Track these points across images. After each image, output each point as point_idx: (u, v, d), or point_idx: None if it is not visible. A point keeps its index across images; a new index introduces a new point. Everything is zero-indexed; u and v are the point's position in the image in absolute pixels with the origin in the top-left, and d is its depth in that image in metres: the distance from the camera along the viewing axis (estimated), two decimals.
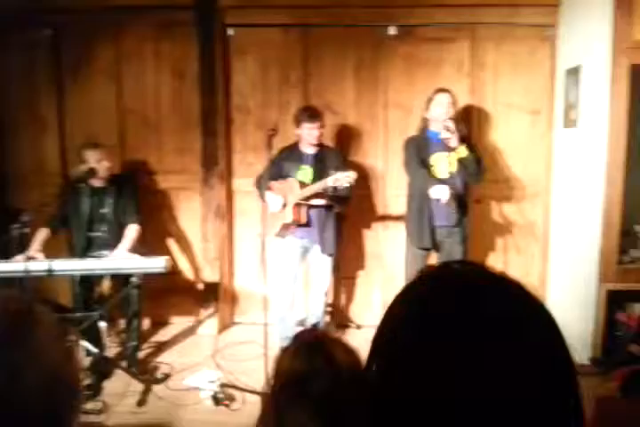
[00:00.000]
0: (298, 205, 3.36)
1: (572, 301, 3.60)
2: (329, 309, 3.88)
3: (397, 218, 3.94)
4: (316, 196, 3.32)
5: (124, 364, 3.30)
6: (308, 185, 3.36)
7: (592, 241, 3.35)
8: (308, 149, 3.50)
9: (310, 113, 3.40)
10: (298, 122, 3.43)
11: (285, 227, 3.45)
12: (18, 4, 3.81)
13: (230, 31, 4.02)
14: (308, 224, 3.44)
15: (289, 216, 3.38)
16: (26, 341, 0.64)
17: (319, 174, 3.43)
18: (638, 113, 3.38)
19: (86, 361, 3.07)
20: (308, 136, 3.42)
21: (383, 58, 3.98)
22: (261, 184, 3.43)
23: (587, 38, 3.44)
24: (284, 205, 3.41)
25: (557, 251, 3.92)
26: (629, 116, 3.24)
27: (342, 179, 3.06)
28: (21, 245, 2.77)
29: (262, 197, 3.41)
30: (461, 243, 3.45)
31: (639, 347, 2.46)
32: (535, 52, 3.95)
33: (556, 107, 3.89)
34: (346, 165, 3.55)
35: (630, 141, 3.28)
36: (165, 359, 3.53)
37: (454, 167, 3.32)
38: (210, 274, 4.04)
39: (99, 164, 3.32)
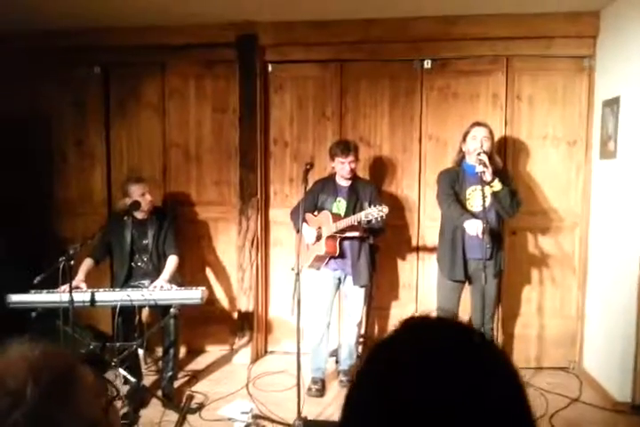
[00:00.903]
0: (332, 237, 3.41)
1: (611, 335, 3.50)
2: (362, 340, 3.87)
3: (431, 249, 3.94)
4: (350, 228, 3.37)
5: (160, 393, 3.38)
6: (341, 217, 3.41)
7: (631, 274, 3.27)
8: (343, 182, 3.56)
9: (343, 147, 3.47)
10: (331, 155, 3.52)
11: (319, 259, 3.51)
12: (68, 41, 4.05)
13: (270, 67, 4.16)
14: (341, 256, 3.48)
15: (322, 248, 3.43)
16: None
17: (353, 207, 3.49)
18: None
19: (124, 389, 3.15)
20: (341, 170, 3.49)
21: (418, 91, 4.03)
22: (297, 216, 3.50)
23: (625, 69, 3.41)
24: (319, 237, 3.47)
25: (595, 284, 3.83)
26: None
27: (375, 213, 3.11)
28: (67, 276, 2.89)
29: (298, 228, 3.47)
30: (495, 276, 3.43)
31: None
32: (572, 83, 3.93)
33: (594, 138, 3.84)
34: (380, 197, 3.59)
35: None
36: (200, 389, 3.59)
37: (488, 201, 3.32)
38: (245, 303, 4.11)
39: (142, 197, 3.46)
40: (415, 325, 0.68)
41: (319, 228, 3.48)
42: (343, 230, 3.38)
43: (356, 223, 3.29)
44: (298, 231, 3.45)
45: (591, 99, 3.88)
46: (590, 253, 3.90)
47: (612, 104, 3.55)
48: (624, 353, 3.32)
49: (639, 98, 3.24)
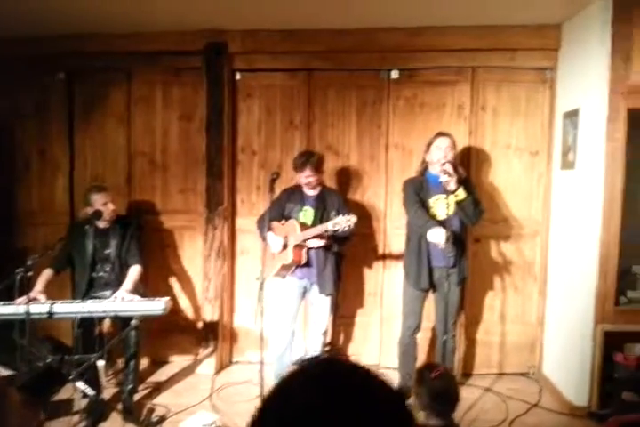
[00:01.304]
0: (298, 246, 3.41)
1: (569, 341, 3.59)
2: (327, 348, 3.88)
3: (397, 257, 3.98)
4: (317, 237, 3.37)
5: (120, 406, 3.33)
6: (308, 226, 3.42)
7: (589, 282, 3.36)
8: (310, 191, 3.57)
9: (299, 163, 3.46)
10: (294, 168, 3.52)
11: (285, 267, 3.51)
12: (32, 47, 3.99)
13: (238, 75, 4.15)
14: (307, 264, 3.49)
15: (289, 257, 3.43)
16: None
17: (320, 216, 3.50)
18: (634, 155, 3.42)
19: (82, 403, 3.11)
20: (304, 183, 3.50)
21: (385, 101, 4.07)
22: (263, 224, 3.50)
23: (585, 82, 3.49)
24: (285, 246, 3.47)
25: (555, 291, 3.92)
26: (626, 159, 3.27)
27: (343, 223, 3.12)
28: (25, 288, 2.84)
29: (263, 237, 3.47)
30: (458, 284, 3.48)
31: (632, 394, 2.42)
32: (534, 94, 4.01)
33: (555, 148, 3.93)
34: (346, 206, 3.61)
35: (627, 184, 3.30)
36: (162, 400, 3.55)
37: (452, 209, 3.36)
38: (210, 313, 4.09)
39: (104, 206, 3.42)
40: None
41: (286, 236, 3.49)
42: (309, 239, 3.38)
43: (323, 232, 3.29)
44: (264, 240, 3.45)
45: (553, 110, 3.97)
46: (550, 261, 3.99)
47: (572, 116, 3.63)
48: (581, 359, 3.40)
49: (597, 110, 3.31)
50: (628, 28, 3.22)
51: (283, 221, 3.55)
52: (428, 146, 3.45)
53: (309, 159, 3.44)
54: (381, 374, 0.74)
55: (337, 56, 4.02)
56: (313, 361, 0.73)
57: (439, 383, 2.07)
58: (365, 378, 0.71)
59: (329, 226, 3.17)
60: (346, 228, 3.14)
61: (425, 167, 3.50)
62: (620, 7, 3.22)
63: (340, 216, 3.15)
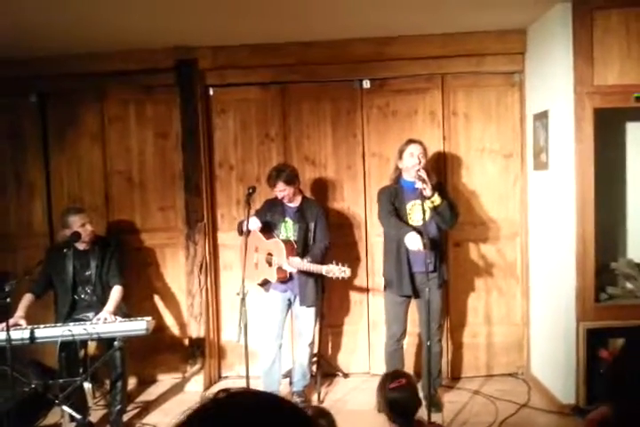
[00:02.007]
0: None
1: (554, 340, 3.63)
2: (315, 359, 3.88)
3: (380, 265, 3.99)
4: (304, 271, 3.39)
5: None
6: (293, 246, 3.44)
7: (568, 280, 3.41)
8: (290, 203, 3.59)
9: (271, 178, 3.49)
10: (267, 183, 3.55)
11: (268, 282, 3.53)
12: (2, 69, 3.98)
13: (211, 91, 4.18)
14: (289, 277, 3.50)
15: (274, 276, 3.45)
16: None
17: (300, 227, 3.53)
18: (604, 153, 3.50)
19: None
20: (280, 197, 3.53)
21: (359, 110, 4.13)
22: (241, 223, 3.50)
23: (552, 84, 3.57)
24: (269, 264, 3.48)
25: (537, 290, 3.97)
26: (596, 157, 3.34)
27: (336, 272, 3.14)
28: (4, 314, 2.81)
29: (243, 229, 3.45)
30: (439, 288, 3.51)
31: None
32: (504, 98, 4.09)
33: (528, 150, 3.99)
34: (326, 219, 3.64)
35: (599, 181, 3.36)
36: (151, 420, 3.52)
37: (428, 215, 3.40)
38: (196, 329, 4.07)
39: (82, 228, 3.41)
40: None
41: (269, 254, 3.49)
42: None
43: (312, 270, 3.30)
44: (241, 233, 3.43)
45: (523, 113, 4.04)
46: (531, 261, 4.04)
47: (542, 117, 3.70)
48: (567, 357, 3.44)
49: (565, 111, 3.39)
50: (589, 30, 3.31)
51: (268, 236, 3.55)
52: (400, 153, 3.49)
53: (280, 174, 3.46)
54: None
55: (308, 68, 4.07)
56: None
57: (396, 395, 2.12)
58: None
59: (322, 271, 3.19)
60: (338, 277, 3.16)
61: (399, 174, 3.54)
62: (580, 10, 3.30)
63: (335, 266, 3.15)
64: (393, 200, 3.47)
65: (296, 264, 3.34)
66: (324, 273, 3.19)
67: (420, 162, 3.38)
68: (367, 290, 4.15)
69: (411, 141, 3.49)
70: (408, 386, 2.16)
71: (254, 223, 3.48)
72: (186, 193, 4.06)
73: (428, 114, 4.10)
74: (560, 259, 3.51)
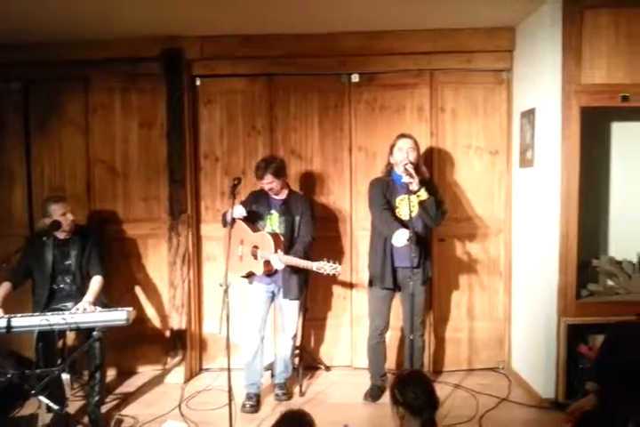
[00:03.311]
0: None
1: (535, 335, 3.66)
2: (297, 351, 3.87)
3: (364, 259, 3.99)
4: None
5: (86, 419, 3.25)
6: (280, 239, 3.42)
7: (550, 276, 3.44)
8: (277, 196, 3.56)
9: (258, 170, 3.45)
10: (255, 175, 3.51)
11: (252, 274, 3.50)
12: None
13: (197, 81, 4.13)
14: (275, 271, 3.47)
15: (260, 270, 3.42)
16: None
17: (285, 220, 3.51)
18: (589, 152, 3.52)
19: (47, 418, 3.02)
20: (267, 189, 3.50)
21: (346, 104, 4.11)
22: (225, 215, 3.46)
23: (539, 82, 3.58)
24: (255, 257, 3.45)
25: (519, 286, 4.00)
26: (581, 156, 3.36)
27: (328, 269, 3.13)
28: None
29: (227, 220, 3.40)
30: (423, 284, 3.52)
31: (594, 384, 2.47)
32: (492, 95, 4.10)
33: (514, 147, 4.01)
34: (312, 212, 3.61)
35: (583, 179, 3.38)
36: (130, 412, 3.48)
37: (416, 210, 3.40)
38: (177, 321, 4.03)
39: (62, 217, 3.35)
40: None
41: (255, 247, 3.46)
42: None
43: (303, 266, 3.27)
44: (225, 225, 3.40)
45: (510, 110, 4.06)
46: (514, 258, 4.06)
47: (529, 115, 3.72)
48: (547, 352, 3.47)
49: (552, 109, 3.40)
50: (578, 28, 3.33)
51: (253, 228, 3.52)
52: (392, 147, 3.49)
53: (268, 166, 3.43)
54: None
55: (297, 61, 4.04)
56: None
57: (411, 393, 1.97)
58: None
59: (313, 266, 3.17)
60: (329, 274, 3.14)
61: (390, 169, 3.53)
62: (570, 9, 3.32)
63: (326, 262, 3.13)
64: (385, 192, 3.46)
65: (285, 260, 3.32)
66: (314, 269, 3.17)
67: (407, 156, 3.38)
68: (351, 284, 4.15)
69: (401, 136, 3.48)
70: (422, 382, 2.06)
71: (239, 211, 3.43)
72: (170, 184, 4.01)
73: (416, 109, 4.10)
74: (543, 255, 3.54)
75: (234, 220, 3.44)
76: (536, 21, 3.60)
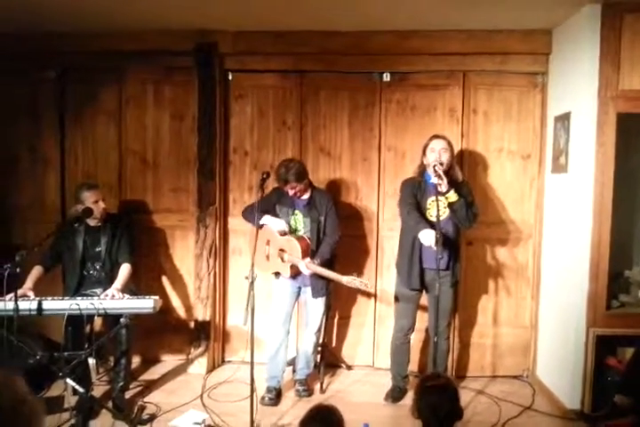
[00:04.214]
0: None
1: (562, 345, 3.59)
2: (319, 348, 3.86)
3: (390, 258, 3.99)
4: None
5: (110, 404, 3.29)
6: (305, 239, 3.43)
7: (581, 286, 3.37)
8: (300, 196, 3.55)
9: (283, 173, 3.40)
10: (277, 181, 3.49)
11: (279, 273, 3.54)
12: (24, 44, 3.97)
13: (230, 75, 4.15)
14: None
15: (287, 272, 3.44)
16: None
17: (310, 220, 3.51)
18: (624, 159, 3.46)
19: (72, 400, 3.07)
20: (291, 194, 3.50)
21: (377, 103, 4.09)
22: (252, 212, 3.41)
23: (575, 86, 3.53)
24: (282, 259, 3.47)
25: (547, 294, 3.93)
26: (616, 163, 3.30)
27: (357, 284, 3.13)
28: (14, 284, 2.81)
29: (255, 222, 3.34)
30: (451, 286, 3.49)
31: (623, 398, 2.42)
32: (526, 98, 4.04)
33: (547, 152, 3.96)
34: (336, 209, 3.61)
35: (618, 187, 3.33)
36: (153, 399, 3.51)
37: (446, 211, 3.37)
38: (202, 312, 4.05)
39: (95, 204, 3.40)
40: None
41: (281, 250, 3.47)
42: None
43: (331, 278, 3.28)
44: (256, 224, 3.35)
45: (544, 114, 4.00)
46: (543, 264, 4.00)
47: (563, 120, 3.67)
48: (574, 362, 3.40)
49: (588, 114, 3.34)
50: (617, 33, 3.27)
51: (281, 231, 3.52)
52: (424, 148, 3.46)
53: (289, 171, 3.39)
54: None
55: (329, 58, 4.03)
56: None
57: (433, 396, 1.94)
58: None
59: (342, 280, 3.17)
60: (359, 288, 3.15)
61: (423, 169, 3.51)
62: (609, 13, 3.26)
63: (356, 278, 3.14)
64: (416, 192, 3.44)
65: (314, 269, 3.32)
66: (343, 283, 3.18)
67: (439, 157, 3.36)
68: (375, 283, 4.12)
69: (435, 137, 3.46)
70: (447, 388, 2.00)
71: (280, 226, 3.46)
72: (199, 176, 4.03)
73: (448, 111, 4.06)
74: (573, 263, 3.47)
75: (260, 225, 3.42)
76: (574, 24, 3.55)
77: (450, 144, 3.44)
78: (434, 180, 3.27)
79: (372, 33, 3.92)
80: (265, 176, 3.31)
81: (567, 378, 3.47)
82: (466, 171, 4.01)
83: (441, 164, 3.32)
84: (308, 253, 3.39)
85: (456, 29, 3.86)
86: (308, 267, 3.32)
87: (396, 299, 3.64)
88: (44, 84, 4.17)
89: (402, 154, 4.08)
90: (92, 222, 3.47)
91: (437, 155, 3.37)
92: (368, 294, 4.16)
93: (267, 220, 3.49)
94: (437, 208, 3.20)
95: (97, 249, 3.48)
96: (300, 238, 3.43)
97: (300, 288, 3.60)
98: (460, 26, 3.82)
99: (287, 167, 3.42)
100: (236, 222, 4.15)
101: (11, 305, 2.82)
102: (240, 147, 4.19)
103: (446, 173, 3.31)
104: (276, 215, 3.57)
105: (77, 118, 4.20)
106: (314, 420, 1.96)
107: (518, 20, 3.67)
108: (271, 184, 3.71)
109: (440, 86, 4.06)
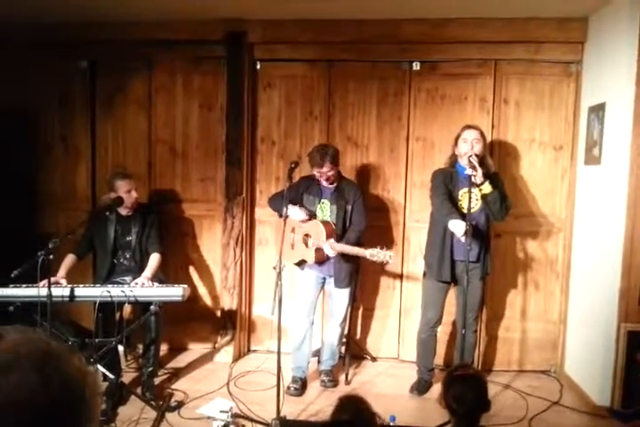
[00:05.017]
0: (320, 248, 3.39)
1: (592, 340, 3.53)
2: (344, 340, 3.87)
3: (416, 251, 3.96)
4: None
5: (139, 390, 3.35)
6: (331, 226, 3.41)
7: (612, 280, 3.30)
8: (328, 183, 3.54)
9: (315, 159, 3.39)
10: (311, 163, 3.47)
11: (303, 262, 3.52)
12: (54, 35, 4.01)
13: (258, 65, 4.14)
14: (327, 258, 3.47)
15: (312, 258, 3.43)
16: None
17: (338, 208, 3.48)
18: None
19: (102, 386, 3.12)
20: (323, 178, 3.48)
21: (406, 93, 4.03)
22: (278, 201, 3.40)
23: (611, 76, 3.43)
24: (306, 244, 3.46)
25: (577, 288, 3.85)
26: None
27: (381, 256, 3.10)
28: (46, 271, 2.86)
29: (281, 211, 3.34)
30: (480, 279, 3.45)
31: None
32: (559, 88, 3.94)
33: (579, 143, 3.87)
34: (363, 200, 3.58)
35: None
36: (181, 386, 3.57)
37: (478, 203, 3.33)
38: (228, 302, 4.09)
39: (127, 194, 3.43)
40: None
41: (306, 235, 3.47)
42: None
43: (355, 254, 3.26)
44: (281, 215, 3.34)
45: (577, 104, 3.90)
46: (573, 259, 3.92)
47: (598, 110, 3.57)
48: (604, 358, 3.34)
49: (624, 104, 3.25)
50: None
51: (307, 215, 3.51)
52: (456, 139, 3.42)
53: (327, 153, 3.38)
54: None
55: (358, 47, 3.98)
56: None
57: (459, 386, 1.91)
58: None
59: (367, 255, 3.14)
60: (382, 262, 3.13)
61: (454, 160, 3.46)
62: None
63: (380, 249, 3.11)
64: (448, 183, 3.40)
65: (338, 247, 3.30)
66: (367, 257, 3.15)
67: (472, 148, 3.30)
68: (401, 275, 4.10)
69: (467, 127, 3.41)
70: (476, 379, 1.97)
71: (300, 215, 3.44)
72: (227, 166, 4.05)
73: (478, 100, 3.98)
74: (605, 257, 3.39)
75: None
76: (611, 12, 3.43)
77: (482, 135, 3.38)
78: (468, 171, 3.22)
79: (404, 21, 3.85)
80: (293, 165, 3.29)
81: (597, 374, 3.41)
82: (496, 162, 3.92)
83: (476, 155, 3.27)
84: (333, 236, 3.37)
85: (490, 17, 3.77)
86: (332, 247, 3.30)
87: (424, 291, 3.61)
88: (75, 74, 4.22)
89: (430, 144, 4.03)
90: (123, 212, 3.52)
91: (470, 145, 3.31)
92: (393, 286, 4.14)
93: (290, 210, 3.47)
94: (469, 200, 3.16)
95: (128, 238, 3.52)
96: (325, 222, 3.43)
97: (324, 279, 3.60)
98: (492, 14, 3.73)
99: (324, 150, 3.42)
100: (263, 213, 4.16)
101: (44, 292, 2.87)
102: (267, 136, 4.19)
103: (480, 164, 3.25)
104: (300, 205, 3.55)
105: (107, 108, 4.24)
106: (345, 409, 1.95)
107: (554, 7, 3.57)
108: (298, 174, 3.70)
109: (471, 75, 3.98)
